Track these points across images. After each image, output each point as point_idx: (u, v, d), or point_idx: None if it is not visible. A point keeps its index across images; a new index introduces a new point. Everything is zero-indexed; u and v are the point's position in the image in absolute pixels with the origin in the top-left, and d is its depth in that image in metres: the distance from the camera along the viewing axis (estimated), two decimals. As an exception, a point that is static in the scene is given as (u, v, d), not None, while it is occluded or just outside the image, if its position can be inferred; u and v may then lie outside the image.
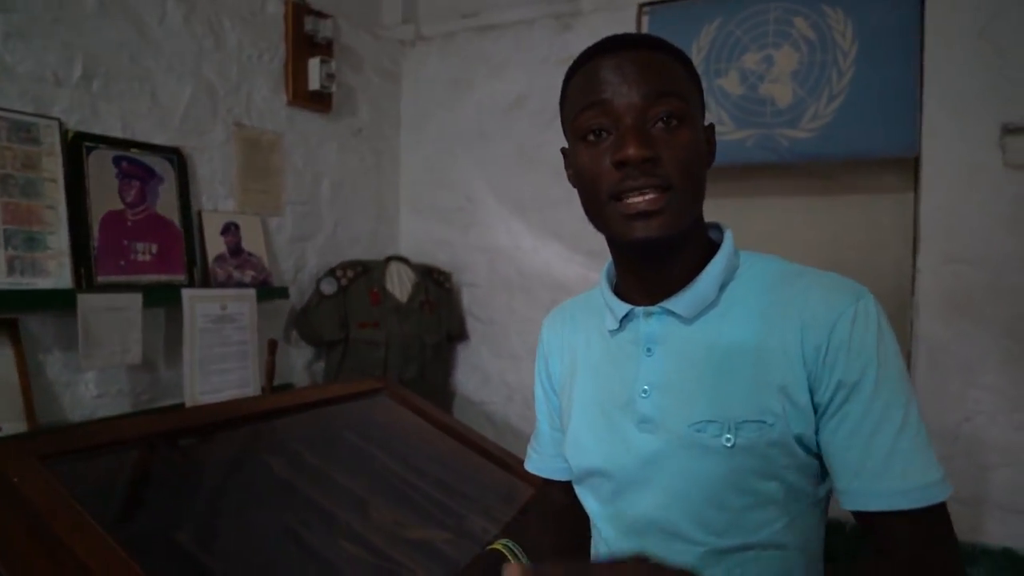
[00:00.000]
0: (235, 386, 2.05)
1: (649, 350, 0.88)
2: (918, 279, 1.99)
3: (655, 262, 0.87)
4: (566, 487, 1.07)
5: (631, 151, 0.78)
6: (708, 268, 0.87)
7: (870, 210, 2.18)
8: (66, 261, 1.77)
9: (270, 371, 2.09)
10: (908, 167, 2.07)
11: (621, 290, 0.94)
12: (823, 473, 0.86)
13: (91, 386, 1.85)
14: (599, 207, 0.85)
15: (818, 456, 0.84)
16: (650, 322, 0.89)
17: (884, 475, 0.78)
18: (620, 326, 0.92)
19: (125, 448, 1.36)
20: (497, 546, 1.01)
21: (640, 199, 0.80)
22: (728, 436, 0.80)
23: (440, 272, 2.67)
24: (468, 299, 2.75)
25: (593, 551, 0.99)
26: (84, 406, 1.83)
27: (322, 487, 1.59)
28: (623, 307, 0.91)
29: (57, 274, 1.75)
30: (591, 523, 0.98)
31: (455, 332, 2.67)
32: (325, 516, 1.51)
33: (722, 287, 0.87)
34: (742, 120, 2.20)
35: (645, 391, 0.87)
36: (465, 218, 2.75)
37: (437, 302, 2.58)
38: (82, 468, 1.26)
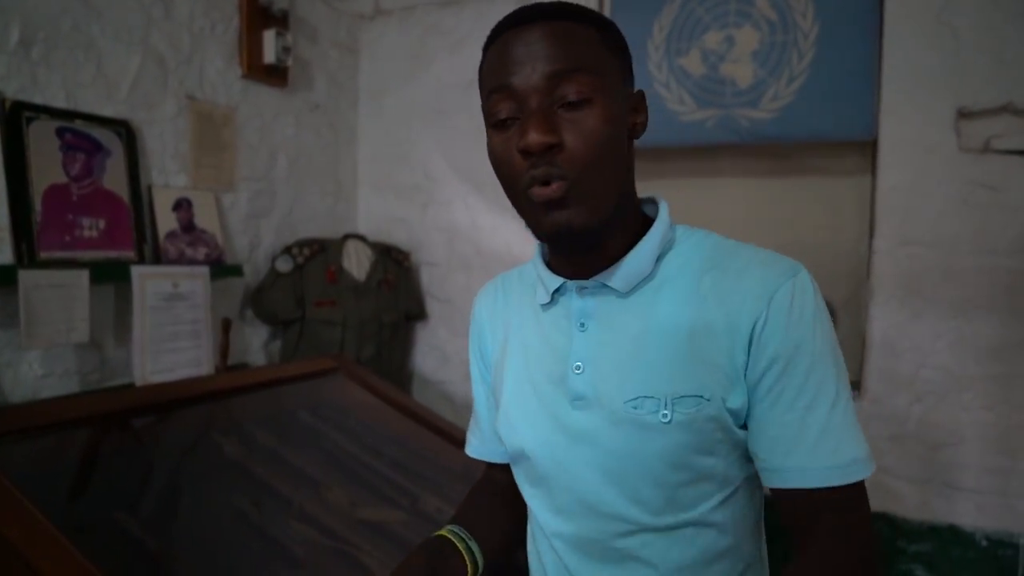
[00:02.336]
0: (188, 366, 2.00)
1: (583, 325, 0.86)
2: (873, 261, 2.01)
3: (580, 248, 0.84)
4: (505, 471, 1.05)
5: (532, 138, 0.74)
6: (643, 241, 0.84)
7: (828, 192, 2.20)
8: (6, 236, 1.71)
9: (224, 350, 2.04)
10: (866, 150, 2.09)
11: (554, 263, 0.90)
12: None
13: (35, 365, 1.79)
14: (514, 197, 0.82)
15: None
16: (584, 296, 0.86)
17: (817, 452, 0.77)
18: (552, 300, 0.89)
19: (69, 429, 1.32)
20: (444, 532, 0.98)
21: (545, 189, 0.76)
22: (665, 412, 0.79)
23: (399, 251, 2.63)
24: (427, 278, 2.73)
25: (529, 535, 0.98)
26: (27, 386, 1.77)
27: (275, 468, 1.57)
28: (555, 280, 0.88)
29: (-4, 250, 1.69)
30: (527, 505, 0.97)
31: (413, 312, 2.64)
32: (278, 497, 1.49)
33: (658, 260, 0.85)
34: (703, 100, 2.20)
35: (578, 367, 0.85)
36: (424, 196, 2.72)
37: (395, 281, 2.55)
38: (22, 451, 1.22)
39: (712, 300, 0.80)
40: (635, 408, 0.80)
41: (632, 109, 0.84)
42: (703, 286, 0.82)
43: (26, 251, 1.73)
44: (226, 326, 2.07)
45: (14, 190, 1.71)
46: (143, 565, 1.18)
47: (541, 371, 0.89)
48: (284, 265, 2.30)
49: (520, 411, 0.91)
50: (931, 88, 1.91)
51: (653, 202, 0.90)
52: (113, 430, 1.44)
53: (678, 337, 0.80)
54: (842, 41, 2.03)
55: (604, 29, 0.81)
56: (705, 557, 0.84)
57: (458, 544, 0.96)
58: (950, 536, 1.91)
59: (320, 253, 2.38)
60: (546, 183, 0.76)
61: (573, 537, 0.87)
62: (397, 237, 2.75)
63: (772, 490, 0.82)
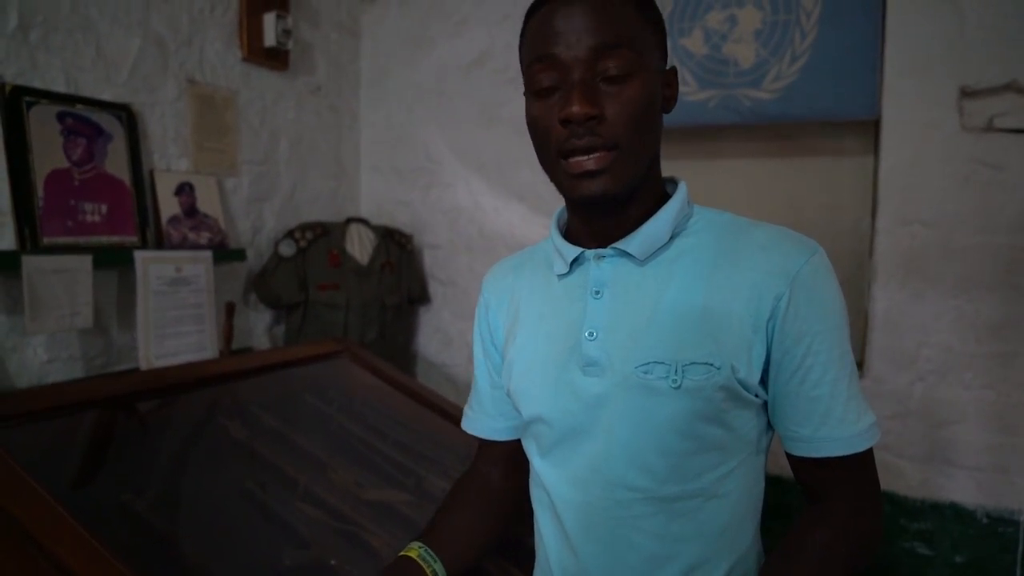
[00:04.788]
0: (192, 350, 2.01)
1: (597, 293, 0.88)
2: (876, 240, 2.01)
3: (606, 214, 0.88)
4: (499, 452, 1.07)
5: (575, 109, 0.78)
6: (662, 210, 0.87)
7: (831, 172, 2.19)
8: (8, 221, 1.71)
9: (228, 334, 2.05)
10: (868, 130, 2.08)
11: (572, 235, 0.94)
12: (766, 422, 0.88)
13: (40, 351, 1.80)
14: (549, 163, 0.86)
15: (764, 405, 0.87)
16: (601, 265, 0.89)
17: (845, 421, 0.83)
18: (569, 270, 0.92)
19: (75, 413, 1.33)
20: (411, 552, 1.01)
21: (585, 158, 0.80)
22: (675, 378, 0.81)
23: (401, 234, 2.63)
24: (429, 261, 2.73)
25: (535, 502, 0.99)
26: (32, 372, 1.78)
27: (281, 449, 1.58)
28: (573, 250, 0.91)
29: (-1, 235, 1.69)
30: (532, 475, 0.98)
31: (416, 294, 2.65)
32: (284, 478, 1.50)
33: (674, 235, 0.88)
34: (705, 80, 2.19)
35: (591, 334, 0.86)
36: (426, 178, 2.71)
37: (398, 264, 2.55)
38: (29, 434, 1.23)
39: (728, 273, 0.83)
40: (645, 373, 0.82)
41: (665, 84, 0.87)
42: (719, 259, 0.84)
43: (29, 236, 1.74)
44: (230, 310, 2.08)
45: (16, 175, 1.72)
46: (151, 545, 1.19)
47: (554, 339, 0.91)
48: (287, 249, 2.30)
49: (534, 379, 0.93)
50: (934, 67, 1.90)
51: (673, 182, 0.94)
52: (119, 413, 1.45)
53: (692, 307, 0.82)
54: (845, 20, 2.02)
55: (644, 5, 0.84)
56: (707, 530, 0.85)
57: (424, 567, 0.99)
58: (951, 514, 1.92)
59: (323, 236, 2.39)
60: (586, 152, 0.80)
61: (581, 505, 0.89)
62: (400, 220, 2.75)
63: (794, 456, 0.87)
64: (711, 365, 0.81)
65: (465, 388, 2.60)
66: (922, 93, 1.91)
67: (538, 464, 0.95)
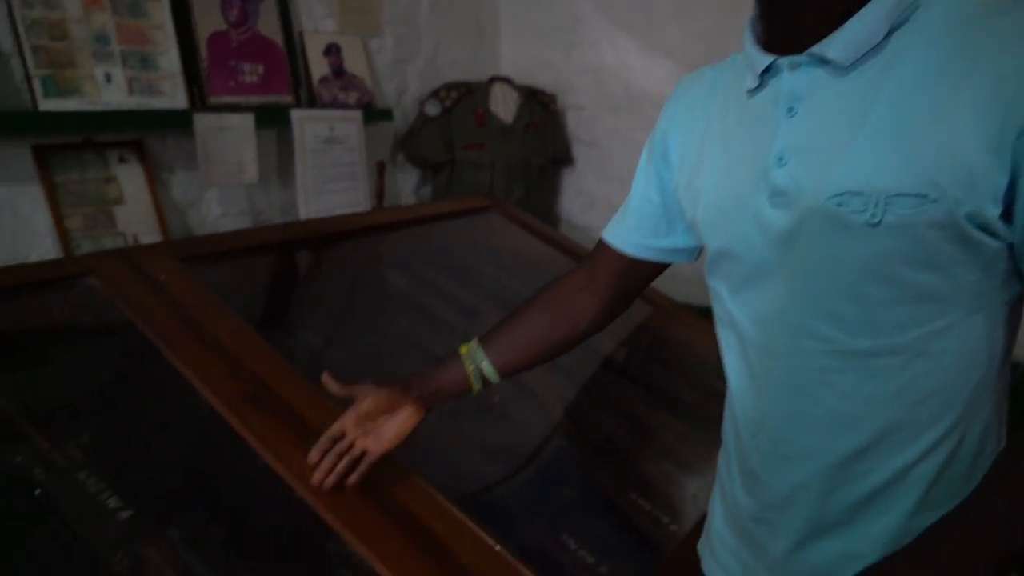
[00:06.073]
0: (346, 207, 2.08)
1: (791, 109, 0.75)
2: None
3: (799, 7, 0.73)
4: (610, 262, 1.00)
5: None
6: (873, 2, 0.69)
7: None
8: (179, 81, 1.79)
9: (380, 192, 2.11)
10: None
11: (764, 41, 0.78)
12: (1008, 270, 0.71)
13: (214, 205, 1.92)
14: None
15: (1008, 249, 0.69)
16: (795, 75, 0.74)
17: None
18: (760, 83, 0.78)
19: (253, 254, 1.42)
20: (462, 348, 1.02)
21: None
22: (873, 212, 0.67)
23: (544, 93, 2.58)
24: (573, 122, 2.67)
25: (723, 345, 0.94)
26: (209, 225, 1.91)
27: (437, 298, 1.63)
28: (765, 59, 0.76)
29: (172, 95, 1.78)
30: (720, 317, 0.92)
31: (560, 155, 2.61)
32: (443, 324, 1.55)
33: (890, 32, 0.70)
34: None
35: (781, 159, 0.74)
36: (569, 37, 2.61)
37: (542, 124, 2.51)
38: (218, 271, 1.32)
39: (960, 77, 0.65)
40: (839, 205, 0.70)
41: None
42: (949, 60, 0.66)
43: (198, 95, 1.82)
44: (380, 168, 2.13)
45: (182, 37, 1.78)
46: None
47: (742, 165, 0.80)
48: (432, 108, 2.31)
49: (722, 209, 0.83)
50: None
51: None
52: (289, 257, 1.53)
53: (907, 122, 0.67)
54: None
55: None
56: (908, 394, 0.74)
57: (466, 365, 1.00)
58: None
59: (467, 96, 2.37)
60: None
61: (766, 350, 0.81)
62: (541, 80, 2.68)
63: None
64: (923, 197, 0.65)
65: (608, 251, 2.59)
66: None
67: (728, 303, 0.87)
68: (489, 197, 2.03)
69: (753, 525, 0.87)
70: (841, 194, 0.70)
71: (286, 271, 1.50)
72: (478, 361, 1.00)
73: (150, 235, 1.71)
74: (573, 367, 1.54)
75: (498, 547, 0.91)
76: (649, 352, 1.68)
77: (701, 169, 0.86)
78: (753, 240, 0.79)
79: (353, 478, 0.95)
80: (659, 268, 1.01)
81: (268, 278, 1.46)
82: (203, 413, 0.99)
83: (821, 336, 0.75)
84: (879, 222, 0.68)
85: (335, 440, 0.96)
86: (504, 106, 2.44)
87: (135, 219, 1.74)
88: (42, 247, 1.59)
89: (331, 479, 0.93)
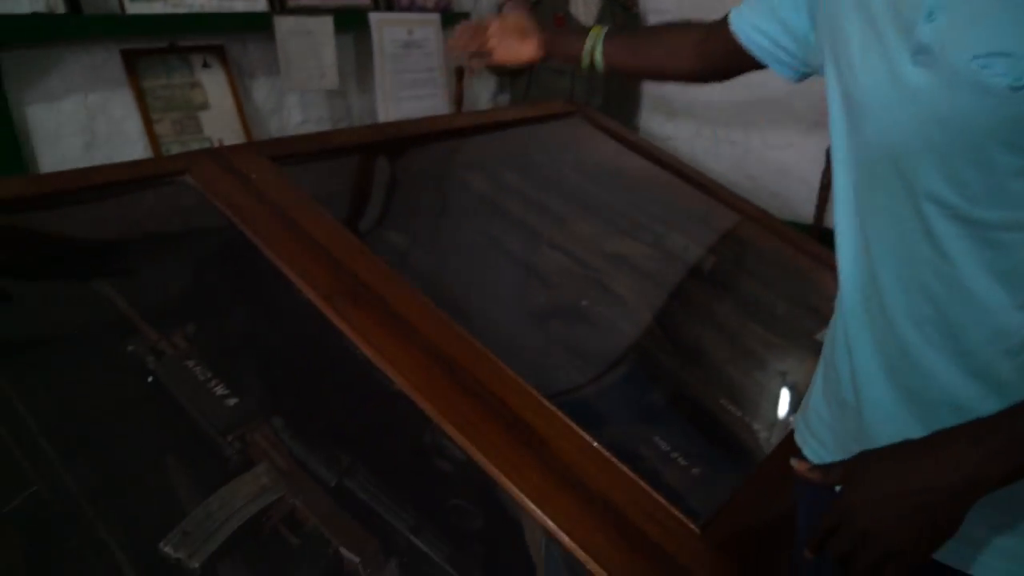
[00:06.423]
0: (426, 112, 2.06)
1: None
2: None
3: None
4: (724, 40, 1.03)
5: None
6: None
7: None
8: (259, -17, 1.77)
9: (459, 98, 2.07)
10: None
11: None
12: None
13: (294, 112, 1.92)
14: None
15: None
16: None
17: None
18: None
19: (339, 155, 1.41)
20: (593, 28, 1.17)
21: None
22: (1017, 75, 0.63)
23: (626, -5, 2.46)
24: (654, 26, 2.55)
25: (838, 204, 0.89)
26: (290, 131, 1.91)
27: (521, 202, 1.61)
28: None
29: (251, -3, 1.76)
30: (840, 174, 0.85)
31: (641, 62, 2.51)
32: (527, 228, 1.54)
33: None
34: None
35: (931, 14, 0.70)
36: (651, -65, 2.47)
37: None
38: (306, 170, 1.32)
39: None
40: (982, 67, 0.66)
41: None
42: None
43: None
44: (459, 74, 2.09)
45: (257, -63, 1.75)
46: (413, 277, 1.26)
47: (889, 16, 0.76)
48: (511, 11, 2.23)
49: (859, 58, 0.79)
50: None
51: None
52: (373, 158, 1.52)
53: None
54: None
55: None
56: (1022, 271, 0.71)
57: (588, 41, 1.16)
58: None
59: (546, -1, 2.29)
60: None
61: (883, 211, 0.77)
62: (621, -17, 2.56)
63: None
64: None
65: (689, 162, 2.51)
66: None
67: (838, 139, 0.84)
68: (572, 103, 1.97)
69: (849, 392, 0.86)
70: (987, 55, 0.66)
71: (371, 173, 1.49)
72: (596, 44, 1.16)
73: (235, 140, 1.72)
74: (660, 273, 1.51)
75: (595, 444, 0.91)
76: (739, 263, 1.64)
77: (849, 16, 0.80)
78: (888, 96, 0.75)
79: (475, 62, 1.25)
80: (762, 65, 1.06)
81: (354, 179, 1.46)
82: (301, 308, 1.00)
83: (942, 201, 0.72)
84: (1022, 87, 0.63)
85: (478, 28, 1.24)
86: (585, 9, 2.34)
87: (220, 125, 1.76)
88: (134, 151, 1.62)
89: (460, 46, 1.26)
